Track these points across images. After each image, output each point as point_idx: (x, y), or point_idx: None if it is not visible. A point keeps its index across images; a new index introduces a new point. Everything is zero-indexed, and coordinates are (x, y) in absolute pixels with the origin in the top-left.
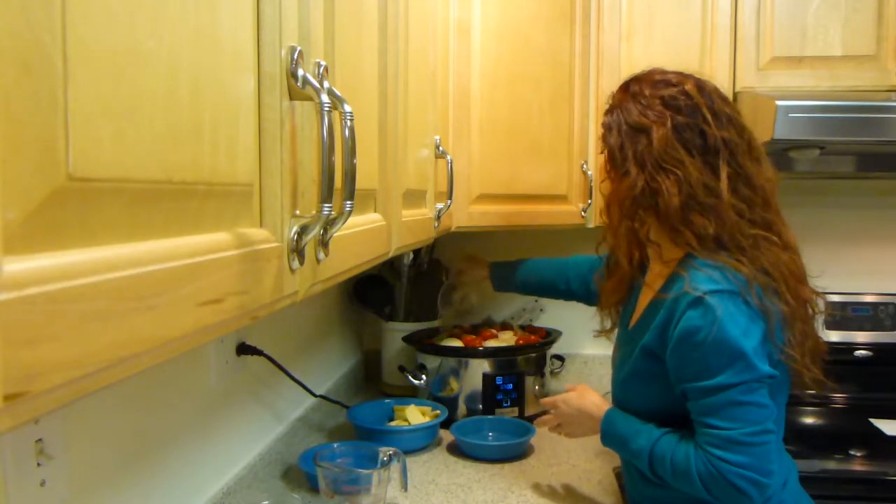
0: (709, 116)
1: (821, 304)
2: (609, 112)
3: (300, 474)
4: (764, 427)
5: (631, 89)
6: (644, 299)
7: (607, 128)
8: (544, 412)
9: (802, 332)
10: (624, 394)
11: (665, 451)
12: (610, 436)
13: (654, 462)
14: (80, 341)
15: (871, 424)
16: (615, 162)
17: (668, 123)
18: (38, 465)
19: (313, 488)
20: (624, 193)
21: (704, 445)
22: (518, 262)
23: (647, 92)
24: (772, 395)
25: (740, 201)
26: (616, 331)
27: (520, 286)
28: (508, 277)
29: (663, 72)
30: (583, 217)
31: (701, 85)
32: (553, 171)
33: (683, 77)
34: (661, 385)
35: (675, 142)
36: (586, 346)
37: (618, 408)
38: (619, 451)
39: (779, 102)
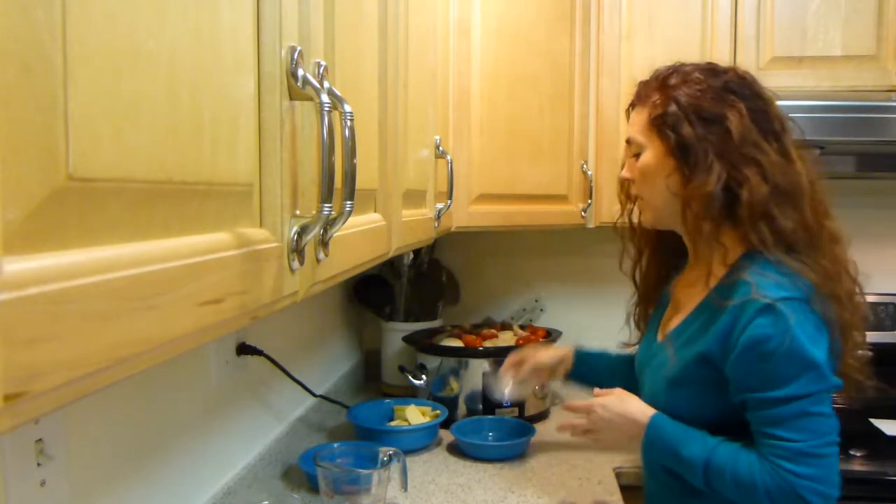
0: (768, 98)
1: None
2: (664, 105)
3: (300, 474)
4: (832, 438)
5: (676, 80)
6: (686, 302)
7: (674, 120)
8: (540, 414)
9: (856, 340)
10: (670, 401)
11: (724, 461)
12: (656, 442)
13: (710, 472)
14: (80, 341)
15: (871, 424)
16: (689, 156)
17: (743, 109)
18: (38, 465)
19: (313, 488)
20: (708, 188)
21: (771, 457)
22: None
23: (705, 79)
24: None
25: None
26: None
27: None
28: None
29: (694, 63)
30: (583, 217)
31: (743, 71)
32: (553, 171)
33: (720, 65)
34: (715, 393)
35: (753, 127)
36: (586, 346)
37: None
38: (664, 458)
39: (779, 102)
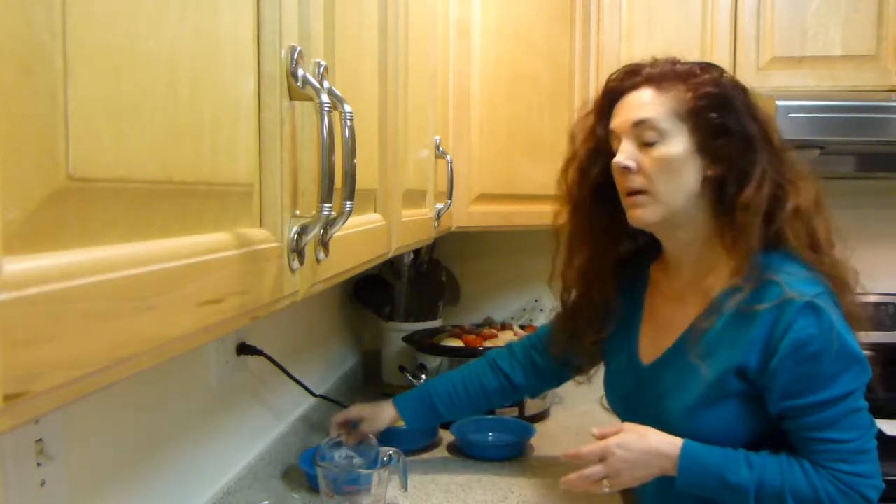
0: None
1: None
2: (717, 92)
3: (300, 474)
4: (874, 429)
5: (716, 73)
6: (682, 313)
7: (734, 112)
8: (541, 413)
9: (866, 330)
10: (695, 424)
11: (777, 479)
12: (695, 473)
13: (763, 494)
14: (80, 341)
15: None
16: (748, 155)
17: (772, 118)
18: (38, 465)
19: (313, 488)
20: (765, 193)
21: (828, 463)
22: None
23: (721, 77)
24: None
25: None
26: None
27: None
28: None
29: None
30: None
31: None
32: (553, 170)
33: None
34: (753, 407)
35: (781, 135)
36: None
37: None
38: (706, 489)
39: (779, 102)
